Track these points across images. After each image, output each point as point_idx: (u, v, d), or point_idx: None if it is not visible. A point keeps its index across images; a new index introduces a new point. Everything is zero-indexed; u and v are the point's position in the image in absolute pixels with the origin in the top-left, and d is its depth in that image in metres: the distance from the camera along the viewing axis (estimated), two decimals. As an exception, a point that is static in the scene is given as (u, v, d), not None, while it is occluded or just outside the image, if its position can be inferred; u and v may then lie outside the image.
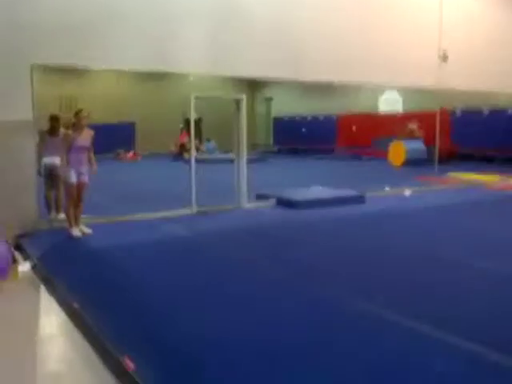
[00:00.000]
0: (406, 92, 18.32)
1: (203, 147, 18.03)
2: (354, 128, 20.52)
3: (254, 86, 23.25)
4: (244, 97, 7.58)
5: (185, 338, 3.00)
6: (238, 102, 7.58)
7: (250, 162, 7.97)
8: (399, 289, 3.92)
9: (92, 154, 5.71)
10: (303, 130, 22.52)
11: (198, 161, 7.25)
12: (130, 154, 18.85)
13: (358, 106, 20.70)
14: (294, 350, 2.79)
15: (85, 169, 5.60)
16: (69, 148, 5.44)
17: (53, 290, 4.26)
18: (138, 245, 5.25)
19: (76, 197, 5.56)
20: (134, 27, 6.42)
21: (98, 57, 6.27)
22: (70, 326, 3.56)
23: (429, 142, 14.03)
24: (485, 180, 11.03)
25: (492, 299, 3.69)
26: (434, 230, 6.12)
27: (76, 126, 5.53)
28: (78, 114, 5.55)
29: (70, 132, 5.56)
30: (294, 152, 22.05)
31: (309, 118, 22.90)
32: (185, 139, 17.09)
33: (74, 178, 5.47)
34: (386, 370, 2.59)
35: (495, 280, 4.12)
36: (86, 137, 5.56)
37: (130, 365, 2.66)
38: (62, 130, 6.14)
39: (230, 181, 7.80)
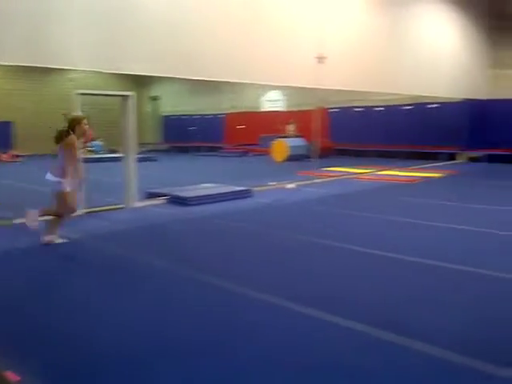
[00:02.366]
0: (289, 91, 19.45)
1: (89, 146, 17.51)
2: (240, 126, 21.21)
3: (140, 83, 22.95)
4: (132, 94, 7.58)
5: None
6: (125, 100, 7.58)
7: (139, 160, 8.03)
8: (276, 272, 4.35)
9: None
10: (192, 128, 22.76)
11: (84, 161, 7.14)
12: (6, 154, 17.67)
13: (244, 104, 21.49)
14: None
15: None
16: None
17: None
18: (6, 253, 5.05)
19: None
20: (7, 19, 6.06)
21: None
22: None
23: (309, 138, 15.01)
24: (358, 172, 12.22)
25: (361, 278, 4.27)
26: (310, 219, 6.75)
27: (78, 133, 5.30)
28: (79, 121, 5.30)
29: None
30: (184, 150, 22.19)
31: (197, 116, 23.19)
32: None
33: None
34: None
35: (366, 260, 4.74)
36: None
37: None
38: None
39: (118, 180, 7.80)
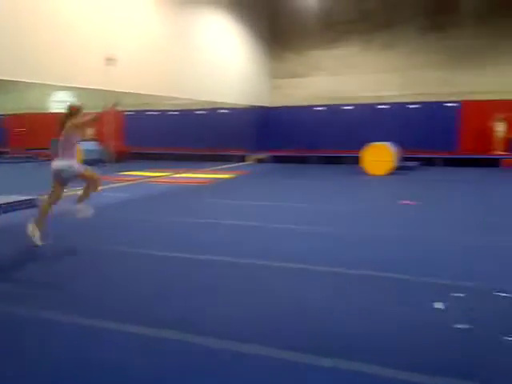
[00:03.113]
0: (80, 92, 18.40)
1: None
2: (20, 129, 19.36)
3: None
4: None
5: None
6: None
7: None
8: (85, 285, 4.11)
9: None
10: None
11: None
12: None
13: (32, 105, 19.63)
14: None
15: None
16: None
17: None
18: None
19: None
20: None
21: None
22: None
23: (103, 142, 14.49)
24: (155, 176, 12.28)
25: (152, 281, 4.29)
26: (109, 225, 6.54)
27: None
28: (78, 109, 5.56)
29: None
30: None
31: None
32: None
33: None
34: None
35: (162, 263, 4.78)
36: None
37: None
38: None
39: None
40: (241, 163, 16.36)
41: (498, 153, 14.12)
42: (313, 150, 16.42)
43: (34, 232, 5.14)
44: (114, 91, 10.68)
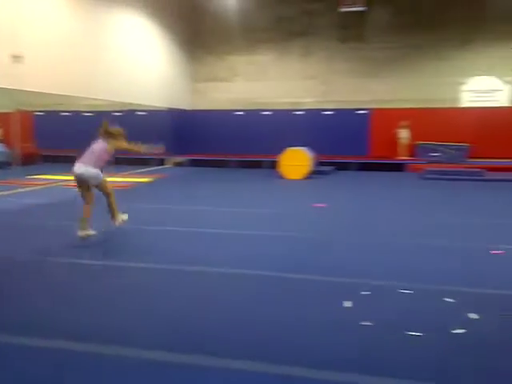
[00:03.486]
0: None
1: None
2: None
3: None
4: None
5: None
6: None
7: None
8: None
9: None
10: None
11: None
12: None
13: None
14: None
15: None
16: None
17: None
18: None
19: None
20: None
21: None
22: None
23: (10, 144, 13.62)
24: (67, 180, 11.71)
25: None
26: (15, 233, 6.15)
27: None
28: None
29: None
30: None
31: None
32: None
33: None
34: None
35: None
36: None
37: None
38: None
39: None
40: (159, 167, 16.10)
41: (404, 158, 15.07)
42: (232, 154, 16.54)
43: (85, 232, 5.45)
44: (22, 90, 10.12)
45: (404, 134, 15.11)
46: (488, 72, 15.37)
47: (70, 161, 17.32)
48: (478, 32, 15.24)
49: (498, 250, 5.23)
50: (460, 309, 3.55)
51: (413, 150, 15.39)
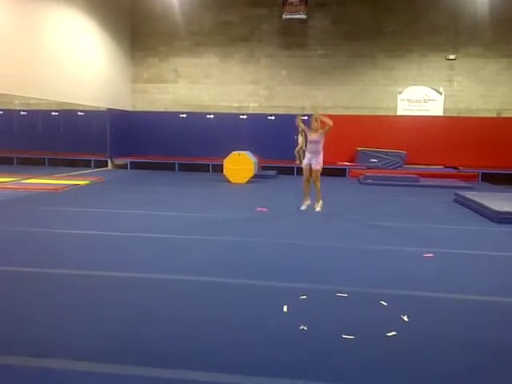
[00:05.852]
0: None
1: None
2: None
3: None
4: None
5: None
6: None
7: None
8: None
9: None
10: None
11: None
12: None
13: None
14: None
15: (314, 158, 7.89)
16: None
17: None
18: None
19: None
20: None
21: None
22: None
23: None
24: (-2, 182, 11.11)
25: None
26: None
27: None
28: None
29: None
30: None
31: None
32: None
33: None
34: None
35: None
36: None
37: None
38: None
39: None
40: (98, 169, 15.60)
41: (345, 164, 15.47)
42: (175, 157, 16.32)
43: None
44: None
45: (300, 140, 14.79)
46: (423, 82, 16.09)
47: (2, 162, 16.56)
48: (415, 43, 15.92)
49: (429, 253, 5.45)
50: (393, 312, 3.65)
51: (353, 156, 15.83)
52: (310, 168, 7.93)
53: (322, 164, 8.02)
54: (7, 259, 4.89)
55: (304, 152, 14.86)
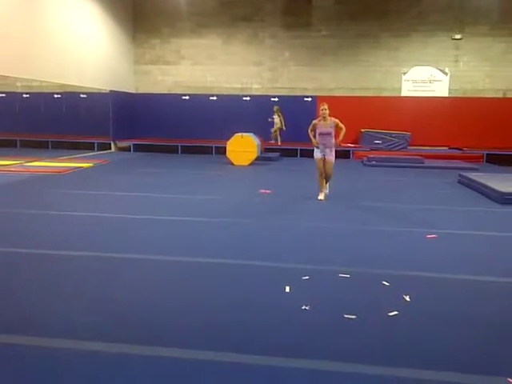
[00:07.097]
0: None
1: None
2: None
3: None
4: None
5: None
6: None
7: None
8: None
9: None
10: None
11: None
12: None
13: None
14: None
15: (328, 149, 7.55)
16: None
17: None
18: None
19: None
20: None
21: None
22: None
23: None
24: (2, 165, 11.13)
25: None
26: None
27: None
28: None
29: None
30: None
31: None
32: None
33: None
34: None
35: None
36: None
37: None
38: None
39: None
40: (102, 151, 15.60)
41: (349, 145, 15.38)
42: (179, 140, 16.27)
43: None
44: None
45: (276, 120, 14.99)
46: (428, 62, 15.89)
47: (5, 145, 16.58)
48: (420, 23, 15.68)
49: (432, 234, 5.45)
50: (396, 292, 3.66)
51: (358, 138, 15.74)
52: (324, 159, 7.61)
53: (334, 156, 7.66)
54: (12, 241, 4.92)
55: (281, 131, 15.15)
